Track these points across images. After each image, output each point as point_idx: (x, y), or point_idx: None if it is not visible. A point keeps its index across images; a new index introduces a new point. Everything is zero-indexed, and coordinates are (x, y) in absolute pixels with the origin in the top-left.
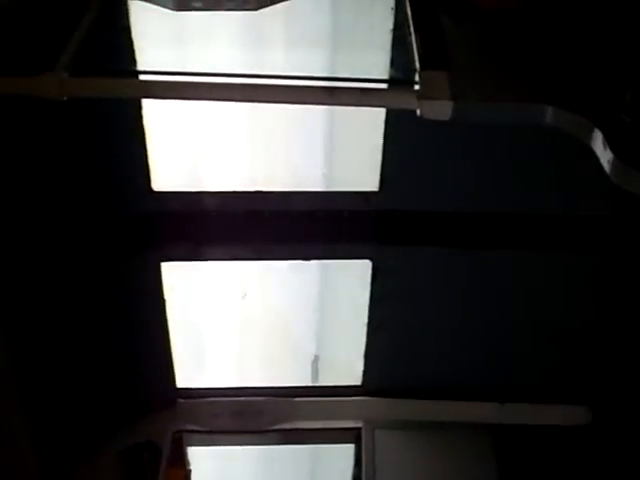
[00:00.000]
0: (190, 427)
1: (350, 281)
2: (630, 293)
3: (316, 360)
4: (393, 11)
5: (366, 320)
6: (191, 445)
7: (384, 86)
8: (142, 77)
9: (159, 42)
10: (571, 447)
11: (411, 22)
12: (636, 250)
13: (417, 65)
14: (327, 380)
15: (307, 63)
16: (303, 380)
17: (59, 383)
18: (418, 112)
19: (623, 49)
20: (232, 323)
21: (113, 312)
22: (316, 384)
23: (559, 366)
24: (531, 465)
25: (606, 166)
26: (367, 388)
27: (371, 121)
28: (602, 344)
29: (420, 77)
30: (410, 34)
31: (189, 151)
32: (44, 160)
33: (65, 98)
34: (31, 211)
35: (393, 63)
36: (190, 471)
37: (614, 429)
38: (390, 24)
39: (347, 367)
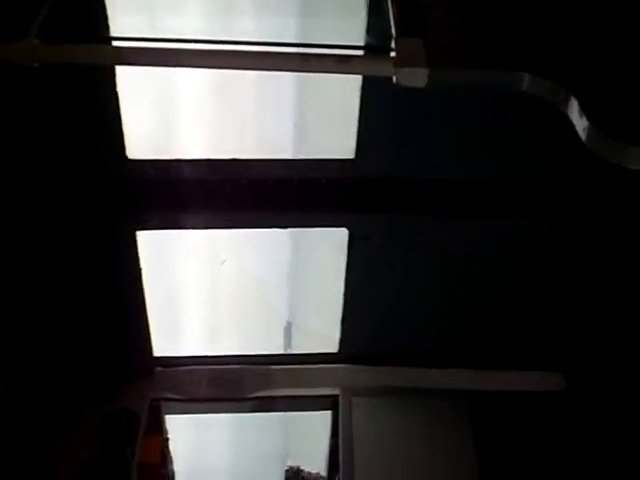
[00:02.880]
0: (168, 395)
1: (326, 249)
2: (605, 260)
3: (289, 326)
4: None
5: (342, 288)
6: (169, 413)
7: (360, 53)
8: (114, 43)
9: (130, 8)
10: (545, 413)
11: None
12: (610, 217)
13: (393, 32)
14: (302, 347)
15: (277, 29)
16: (277, 347)
17: (36, 353)
18: (394, 79)
19: (597, 12)
20: (209, 291)
21: (89, 281)
22: (293, 352)
23: (533, 333)
24: (506, 431)
25: (582, 134)
26: (344, 355)
27: (347, 87)
28: (576, 311)
29: (396, 44)
30: (387, 0)
31: (164, 119)
32: (17, 127)
33: (37, 65)
34: (6, 179)
35: (369, 29)
36: (168, 439)
37: (587, 395)
38: None
39: (323, 334)
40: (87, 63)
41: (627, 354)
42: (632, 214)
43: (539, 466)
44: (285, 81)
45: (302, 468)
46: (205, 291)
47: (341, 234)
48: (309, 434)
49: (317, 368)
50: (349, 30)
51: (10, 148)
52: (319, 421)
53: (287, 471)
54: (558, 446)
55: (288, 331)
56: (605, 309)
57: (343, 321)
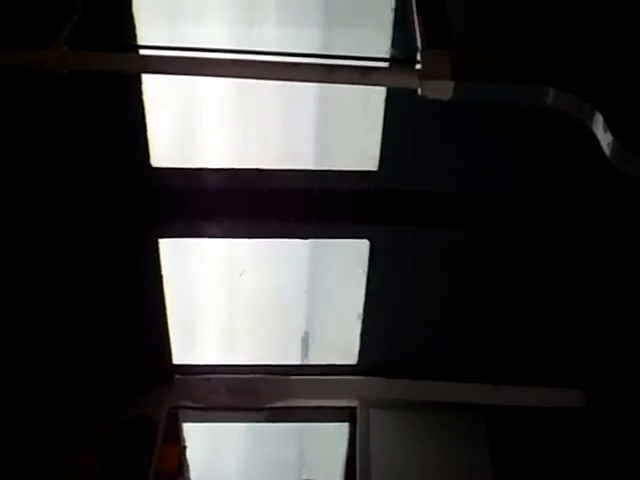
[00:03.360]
0: (186, 403)
1: (347, 260)
2: (625, 276)
3: (306, 337)
4: None
5: (362, 299)
6: (187, 421)
7: (385, 65)
8: (142, 52)
9: (157, 17)
10: (564, 429)
11: (414, 0)
12: (634, 233)
13: (419, 44)
14: (321, 359)
15: (304, 41)
16: (295, 357)
17: (56, 359)
18: (419, 91)
19: (626, 30)
20: (229, 300)
21: (111, 288)
22: (312, 363)
23: (553, 349)
24: (524, 447)
25: (606, 149)
26: (362, 367)
27: (371, 99)
28: (596, 328)
29: (422, 56)
30: (412, 13)
31: (188, 127)
32: (44, 133)
33: (65, 71)
34: (30, 185)
35: (394, 42)
36: (185, 447)
37: (607, 412)
38: (392, 3)
39: (342, 346)
40: (114, 71)
41: None
42: None
43: None
44: (310, 91)
45: None
46: (225, 300)
47: (362, 246)
48: (326, 445)
49: (335, 379)
50: (374, 42)
51: (36, 154)
52: (336, 433)
53: None
54: (576, 463)
55: (305, 341)
56: (625, 325)
57: (362, 333)
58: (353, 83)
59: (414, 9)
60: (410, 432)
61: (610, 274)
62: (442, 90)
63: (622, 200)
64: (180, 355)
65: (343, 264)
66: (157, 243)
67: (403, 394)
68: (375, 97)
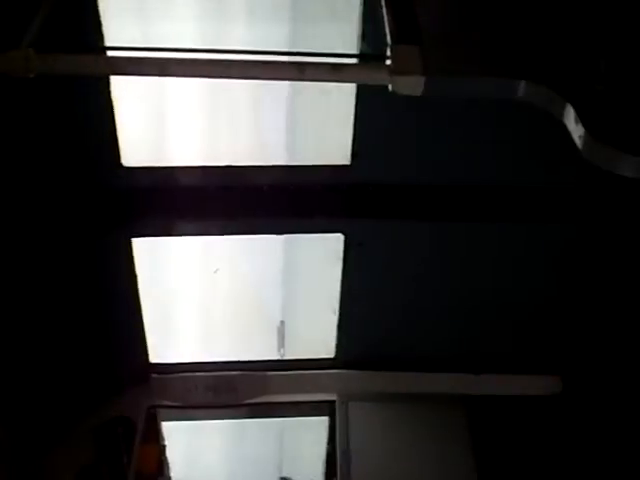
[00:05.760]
0: (164, 402)
1: (322, 254)
2: (599, 264)
3: (282, 327)
4: None
5: (338, 293)
6: (165, 420)
7: (354, 61)
8: (109, 53)
9: (123, 16)
10: (543, 416)
11: None
12: (604, 221)
13: (389, 39)
14: (299, 353)
15: (273, 36)
16: (272, 351)
17: (32, 362)
18: (390, 87)
19: (596, 20)
20: (204, 297)
21: (85, 288)
22: (290, 357)
23: (530, 337)
24: (504, 435)
25: (577, 141)
26: (340, 361)
27: (342, 93)
28: (572, 314)
29: (392, 52)
30: (382, 7)
31: (158, 126)
32: (11, 136)
33: (32, 75)
34: (0, 188)
35: (364, 37)
36: (165, 446)
37: (584, 399)
38: None
39: (319, 340)
40: (81, 73)
41: (624, 357)
42: (630, 220)
43: (537, 470)
44: (280, 87)
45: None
46: (200, 297)
47: (337, 240)
48: (306, 440)
49: (313, 374)
50: (343, 37)
51: (4, 156)
52: (316, 427)
53: None
54: (556, 449)
55: (281, 332)
56: (601, 312)
57: (339, 326)
58: (324, 80)
59: (383, 4)
60: (390, 424)
61: (583, 261)
62: (413, 86)
63: (601, 191)
64: (157, 354)
65: (319, 258)
66: (130, 242)
67: (382, 386)
68: (346, 91)
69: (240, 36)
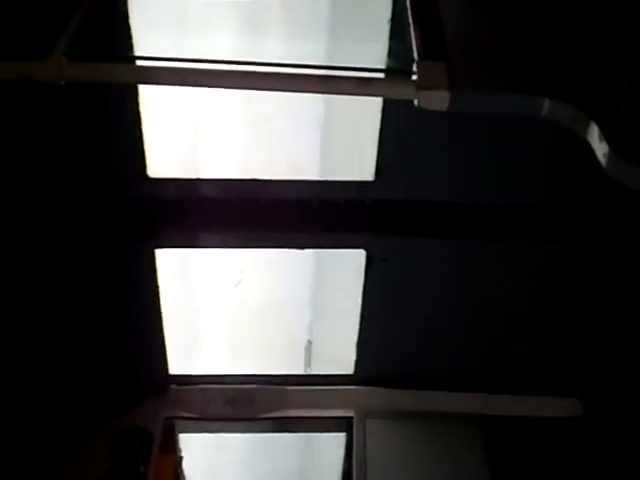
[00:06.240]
0: (182, 414)
1: (344, 270)
2: (622, 286)
3: (309, 346)
4: (391, 1)
5: (359, 309)
6: (183, 432)
7: (381, 75)
8: (139, 62)
9: (157, 27)
10: (561, 439)
11: (410, 12)
12: (631, 243)
13: (415, 55)
14: (320, 368)
15: (303, 52)
16: (296, 367)
17: (52, 370)
18: (416, 102)
19: (620, 40)
20: (226, 310)
21: (107, 298)
22: (308, 372)
23: (550, 358)
24: (521, 456)
25: (601, 159)
26: (359, 377)
27: (368, 110)
28: (593, 336)
29: (418, 67)
30: (409, 24)
31: (185, 138)
32: (41, 144)
33: (63, 82)
34: (28, 195)
35: (391, 53)
36: (181, 458)
37: (605, 422)
38: (388, 14)
39: (340, 355)
40: (112, 81)
41: None
42: None
43: None
44: (309, 102)
45: None
46: (223, 310)
47: (359, 256)
48: (324, 455)
49: (332, 389)
50: (373, 53)
51: (33, 164)
52: (334, 443)
53: None
54: (574, 473)
55: (308, 351)
56: (622, 335)
57: (359, 343)
58: (350, 94)
59: (410, 20)
60: (407, 442)
61: (606, 283)
62: (438, 101)
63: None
64: (177, 365)
65: (343, 274)
66: (154, 253)
67: (400, 404)
68: (372, 107)
69: (273, 51)
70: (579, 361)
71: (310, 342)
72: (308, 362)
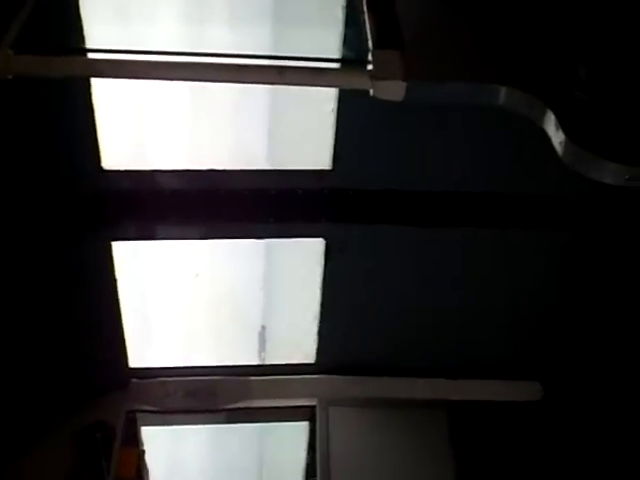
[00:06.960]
0: (143, 407)
1: (303, 259)
2: (579, 270)
3: (263, 331)
4: None
5: (319, 298)
6: (145, 425)
7: (336, 66)
8: (90, 55)
9: (105, 18)
10: (523, 422)
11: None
12: (586, 228)
13: (370, 44)
14: (279, 358)
15: (254, 39)
16: (250, 354)
17: (9, 365)
18: (371, 92)
19: (576, 25)
20: (184, 302)
21: (63, 292)
22: (270, 362)
23: (510, 342)
24: (484, 440)
25: (558, 147)
26: (320, 366)
27: (324, 97)
28: (553, 320)
29: (373, 56)
30: (363, 12)
31: (138, 129)
32: None
33: (11, 76)
34: None
35: (345, 41)
36: (144, 451)
37: (565, 405)
38: (342, 1)
39: (299, 345)
40: (62, 75)
41: (605, 363)
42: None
43: (517, 476)
44: (261, 91)
45: None
46: (180, 302)
47: (318, 245)
48: (287, 444)
49: (294, 379)
50: (325, 41)
51: None
52: (297, 432)
53: None
54: (536, 455)
55: (262, 337)
56: (582, 318)
57: (320, 332)
58: (304, 85)
59: (364, 8)
60: (370, 429)
61: (563, 267)
62: (394, 91)
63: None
64: (136, 359)
65: (300, 263)
66: (110, 246)
67: (362, 391)
68: (327, 95)
69: (222, 39)
70: (539, 345)
71: (264, 327)
72: (263, 347)
